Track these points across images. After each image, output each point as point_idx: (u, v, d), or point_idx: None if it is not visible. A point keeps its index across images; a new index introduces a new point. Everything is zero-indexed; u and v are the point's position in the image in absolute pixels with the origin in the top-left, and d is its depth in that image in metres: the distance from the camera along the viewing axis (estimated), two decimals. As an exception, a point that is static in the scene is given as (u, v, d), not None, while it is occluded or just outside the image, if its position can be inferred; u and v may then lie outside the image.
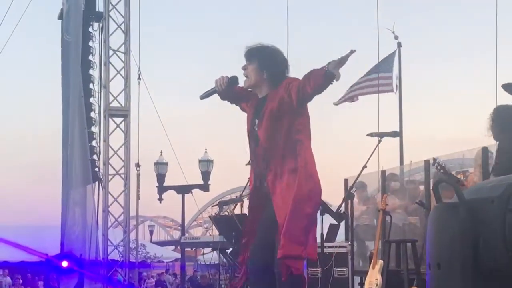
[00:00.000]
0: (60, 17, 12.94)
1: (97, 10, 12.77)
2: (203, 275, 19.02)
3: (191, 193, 18.17)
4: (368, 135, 7.01)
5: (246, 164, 4.43)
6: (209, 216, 13.69)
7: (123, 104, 12.91)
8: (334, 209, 7.00)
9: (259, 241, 4.25)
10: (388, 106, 16.99)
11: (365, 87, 15.85)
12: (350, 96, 16.07)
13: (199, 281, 19.63)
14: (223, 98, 4.40)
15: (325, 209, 6.26)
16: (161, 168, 18.42)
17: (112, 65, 12.89)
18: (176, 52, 63.80)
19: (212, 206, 14.29)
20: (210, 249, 12.72)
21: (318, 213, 4.73)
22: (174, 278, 26.68)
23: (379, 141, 6.86)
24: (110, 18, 12.88)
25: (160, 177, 18.42)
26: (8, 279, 21.77)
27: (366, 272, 7.33)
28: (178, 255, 25.08)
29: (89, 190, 12.17)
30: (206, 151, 18.92)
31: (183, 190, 18.27)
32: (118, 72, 12.90)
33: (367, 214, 10.14)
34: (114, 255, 12.82)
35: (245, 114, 4.44)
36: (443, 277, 2.69)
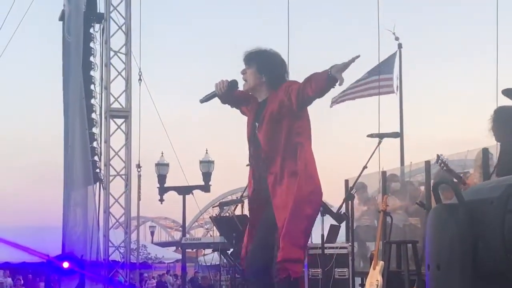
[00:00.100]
0: (61, 18, 12.94)
1: (98, 11, 12.78)
2: (204, 276, 19.06)
3: (192, 194, 18.18)
4: (368, 136, 7.00)
5: (247, 165, 4.43)
6: (210, 217, 13.69)
7: (124, 105, 12.92)
8: (335, 210, 7.01)
9: (258, 242, 4.26)
10: (388, 107, 17.01)
11: (365, 89, 15.85)
12: (349, 98, 16.07)
13: (200, 282, 19.65)
14: (223, 101, 4.42)
15: (326, 210, 6.26)
16: (162, 169, 18.42)
17: (113, 66, 12.91)
18: (177, 53, 63.85)
19: (213, 207, 14.31)
20: (211, 250, 12.73)
21: (319, 214, 4.74)
22: (175, 279, 26.72)
23: (380, 142, 6.86)
24: (111, 19, 12.90)
25: (161, 178, 18.42)
26: (9, 280, 21.79)
27: (367, 273, 7.33)
28: (179, 256, 25.09)
29: (90, 191, 12.18)
30: (207, 152, 18.93)
31: (184, 191, 18.27)
32: (119, 73, 12.92)
33: (368, 215, 10.15)
34: (115, 256, 12.83)
35: (245, 116, 4.46)
36: (442, 278, 2.69)
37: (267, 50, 4.34)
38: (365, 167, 6.87)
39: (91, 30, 12.64)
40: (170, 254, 30.94)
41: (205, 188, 18.45)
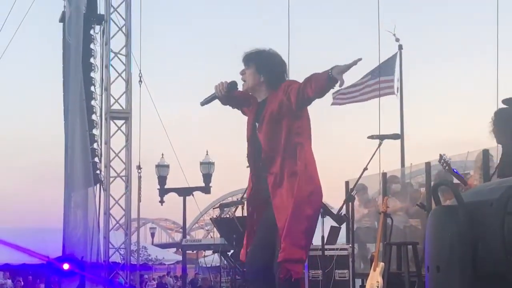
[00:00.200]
0: (62, 19, 12.95)
1: (98, 12, 12.78)
2: (204, 278, 19.02)
3: (193, 195, 18.16)
4: (368, 137, 7.00)
5: (247, 167, 4.42)
6: (210, 219, 13.70)
7: (124, 107, 12.93)
8: (335, 212, 6.99)
9: (258, 242, 4.26)
10: (389, 108, 16.99)
11: (366, 92, 15.84)
12: (351, 101, 16.05)
13: (200, 283, 19.63)
14: (224, 103, 4.43)
15: (326, 211, 6.25)
16: (162, 171, 18.41)
17: (114, 68, 12.91)
18: (177, 54, 63.95)
19: (214, 209, 14.33)
20: (211, 251, 12.73)
21: (319, 215, 4.72)
22: (175, 281, 26.72)
23: (380, 144, 6.85)
24: (111, 21, 12.90)
25: (162, 180, 18.41)
26: (9, 281, 21.81)
27: (367, 275, 7.33)
28: (180, 258, 25.08)
29: (91, 193, 12.18)
30: (207, 153, 18.92)
31: (184, 192, 18.26)
32: (120, 74, 12.92)
33: (368, 217, 10.15)
34: (116, 258, 12.83)
35: (246, 116, 4.46)
36: (442, 280, 2.69)
37: (266, 50, 4.34)
38: (365, 168, 6.86)
39: (91, 32, 12.64)
40: (171, 256, 30.92)
41: (206, 189, 18.45)
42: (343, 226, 8.39)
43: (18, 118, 56.16)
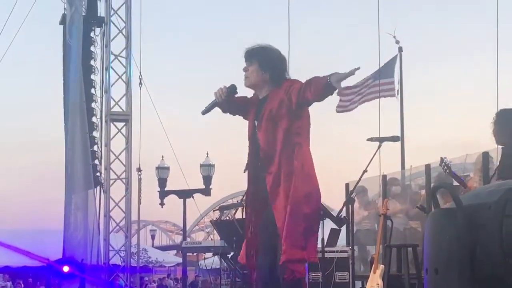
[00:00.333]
0: (62, 21, 12.96)
1: (98, 15, 12.79)
2: (204, 280, 19.05)
3: (193, 197, 18.16)
4: (368, 139, 7.00)
5: (244, 171, 4.41)
6: (211, 221, 13.70)
7: (124, 109, 12.92)
8: (335, 214, 7.00)
9: (261, 246, 4.27)
10: (389, 111, 16.98)
11: (366, 94, 15.84)
12: (355, 106, 16.05)
13: (201, 285, 19.65)
14: (224, 110, 4.43)
15: (326, 213, 6.26)
16: (162, 173, 18.41)
17: (114, 70, 12.91)
18: (178, 56, 64.04)
19: (214, 211, 14.31)
20: (211, 253, 12.74)
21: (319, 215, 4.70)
22: (175, 283, 26.72)
23: (379, 146, 6.85)
24: (111, 23, 12.90)
25: (162, 182, 18.41)
26: (10, 284, 21.81)
27: (367, 277, 7.32)
28: (180, 260, 25.06)
29: (91, 195, 12.18)
30: (207, 156, 18.91)
31: (184, 194, 18.26)
32: (120, 77, 12.92)
33: (368, 219, 10.15)
34: (116, 260, 12.82)
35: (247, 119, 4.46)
36: (440, 282, 2.69)
37: (267, 47, 4.35)
38: (365, 171, 6.86)
39: (92, 34, 12.65)
40: (171, 258, 30.92)
41: (206, 191, 18.44)
42: (343, 228, 8.39)
43: (18, 120, 56.21)
